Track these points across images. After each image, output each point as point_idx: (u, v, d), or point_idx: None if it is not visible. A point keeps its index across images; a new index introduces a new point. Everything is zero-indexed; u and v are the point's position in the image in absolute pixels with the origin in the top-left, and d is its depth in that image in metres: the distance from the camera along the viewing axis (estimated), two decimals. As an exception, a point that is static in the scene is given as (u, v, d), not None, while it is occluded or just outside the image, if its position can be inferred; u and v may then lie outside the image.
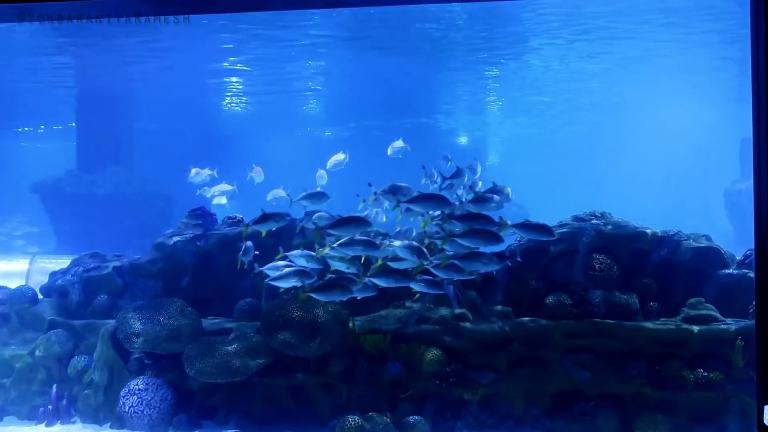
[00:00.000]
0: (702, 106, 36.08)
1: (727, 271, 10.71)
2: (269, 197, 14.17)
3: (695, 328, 10.00)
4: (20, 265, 18.42)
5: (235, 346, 10.36)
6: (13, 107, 33.00)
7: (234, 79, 27.31)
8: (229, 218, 12.43)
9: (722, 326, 10.00)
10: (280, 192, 14.22)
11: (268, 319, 10.47)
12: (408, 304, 10.73)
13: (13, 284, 12.86)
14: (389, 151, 13.38)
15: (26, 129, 41.62)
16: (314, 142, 44.07)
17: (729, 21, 19.55)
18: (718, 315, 10.15)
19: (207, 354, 10.30)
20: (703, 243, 10.93)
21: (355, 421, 9.75)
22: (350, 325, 10.44)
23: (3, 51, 21.80)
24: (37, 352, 11.11)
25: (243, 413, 10.35)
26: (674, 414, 9.76)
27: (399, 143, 13.55)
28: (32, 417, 10.86)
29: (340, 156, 13.57)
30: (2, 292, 12.49)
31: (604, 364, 10.12)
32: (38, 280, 13.11)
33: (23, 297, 12.09)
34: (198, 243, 11.80)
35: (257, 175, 14.21)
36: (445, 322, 10.39)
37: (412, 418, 9.93)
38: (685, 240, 10.95)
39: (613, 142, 49.84)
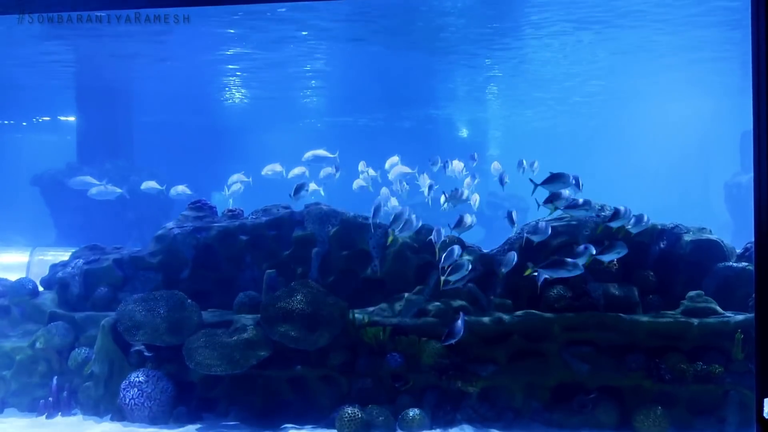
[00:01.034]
0: (702, 99, 36.07)
1: (726, 263, 10.73)
2: (265, 172, 14.84)
3: (695, 321, 10.01)
4: (20, 257, 18.39)
5: (235, 338, 10.37)
6: (13, 99, 32.99)
7: (234, 68, 27.23)
8: (230, 211, 12.44)
9: (722, 319, 10.02)
10: (277, 167, 15.03)
11: (268, 311, 10.47)
12: (407, 296, 10.73)
13: (13, 277, 12.87)
14: (390, 176, 13.64)
15: (27, 122, 41.62)
16: (315, 133, 44.05)
17: (730, 12, 19.50)
18: (717, 308, 10.16)
19: (207, 346, 10.31)
20: (703, 236, 10.94)
21: (354, 413, 9.78)
22: (350, 317, 10.44)
23: (2, 43, 21.76)
24: (37, 344, 11.13)
25: (243, 405, 10.37)
26: (674, 407, 9.78)
27: (396, 161, 13.97)
28: (33, 409, 10.89)
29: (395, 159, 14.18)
30: (3, 285, 12.50)
31: (603, 357, 10.14)
32: (39, 273, 13.11)
33: (24, 289, 12.10)
34: (198, 235, 11.80)
35: (272, 171, 14.64)
36: (444, 314, 10.38)
37: (411, 411, 9.95)
38: (685, 233, 10.97)
39: (614, 135, 49.80)
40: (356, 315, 10.51)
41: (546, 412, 10.06)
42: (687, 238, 10.89)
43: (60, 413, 10.75)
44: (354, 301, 10.81)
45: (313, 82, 30.23)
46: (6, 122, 40.45)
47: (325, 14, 19.21)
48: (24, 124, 41.89)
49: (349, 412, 9.79)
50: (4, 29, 20.02)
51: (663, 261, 10.90)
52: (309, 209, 11.87)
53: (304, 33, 21.24)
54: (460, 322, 9.03)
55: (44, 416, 10.67)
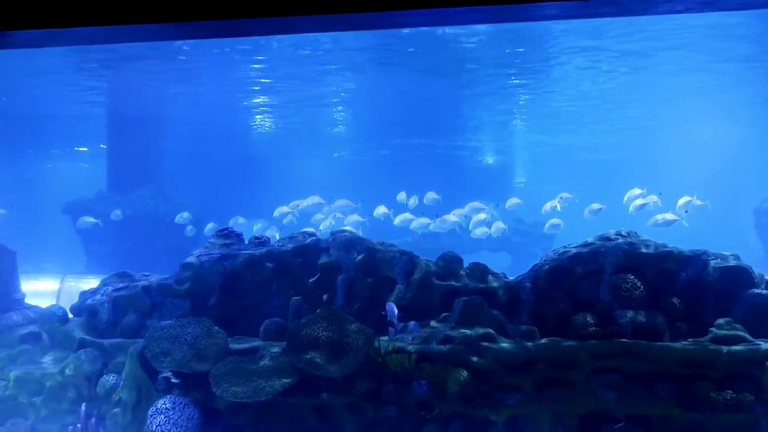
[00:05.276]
0: (731, 125, 35.80)
1: (756, 290, 10.58)
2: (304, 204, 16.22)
3: (724, 349, 9.87)
4: (51, 284, 18.70)
5: (261, 365, 10.41)
6: (45, 129, 33.62)
7: (262, 99, 27.60)
8: (256, 238, 12.56)
9: (751, 347, 9.87)
10: (317, 198, 16.49)
11: (294, 338, 10.51)
12: (433, 323, 10.72)
13: (44, 304, 13.10)
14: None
15: (58, 151, 42.34)
16: (341, 162, 44.32)
17: (760, 42, 19.48)
18: (747, 335, 10.02)
19: (233, 373, 10.35)
20: (732, 262, 10.81)
21: (380, 441, 9.74)
22: (375, 344, 10.44)
23: (35, 73, 22.24)
24: (67, 371, 11.26)
25: (269, 433, 10.38)
26: (703, 436, 9.63)
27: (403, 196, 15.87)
28: (62, 435, 10.99)
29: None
30: (33, 312, 12.71)
31: (631, 385, 10.02)
32: (69, 300, 13.31)
33: (54, 316, 12.29)
34: (225, 263, 11.90)
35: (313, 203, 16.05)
36: (470, 342, 10.35)
37: (437, 439, 9.89)
38: (713, 259, 10.85)
39: (643, 161, 49.46)
40: (382, 342, 10.51)
41: (573, 440, 9.95)
42: (714, 264, 10.77)
43: (88, 439, 10.83)
44: (379, 329, 10.81)
45: (340, 107, 30.47)
46: (39, 152, 41.14)
47: (351, 44, 19.46)
48: (54, 152, 42.61)
49: (375, 439, 9.76)
50: (35, 60, 20.48)
51: (690, 288, 10.79)
52: (334, 236, 11.95)
53: (332, 66, 21.53)
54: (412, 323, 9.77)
55: (73, 442, 10.76)
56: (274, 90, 25.89)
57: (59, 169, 46.42)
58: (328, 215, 19.02)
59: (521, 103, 29.27)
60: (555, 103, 28.77)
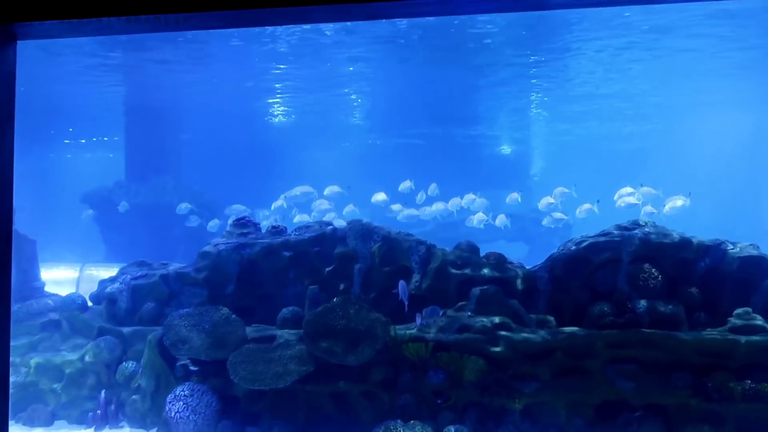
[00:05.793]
0: (755, 113, 35.42)
1: (775, 280, 10.50)
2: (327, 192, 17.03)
3: (742, 339, 9.82)
4: (71, 273, 18.88)
5: (278, 353, 10.47)
6: (64, 119, 33.85)
7: (279, 86, 27.59)
8: (273, 227, 12.61)
9: (770, 337, 9.81)
10: (307, 188, 17.25)
11: (311, 327, 10.56)
12: (450, 312, 10.73)
13: (63, 292, 13.25)
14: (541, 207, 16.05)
15: (77, 141, 42.61)
16: (357, 151, 44.29)
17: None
18: (766, 325, 9.95)
19: (251, 361, 10.42)
20: (751, 252, 10.73)
21: (396, 428, 9.78)
22: (392, 333, 10.48)
23: (52, 63, 22.37)
24: (86, 358, 11.39)
25: (286, 420, 10.45)
26: (721, 426, 9.59)
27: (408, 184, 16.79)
28: (82, 421, 11.13)
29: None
30: (53, 300, 12.86)
31: (648, 375, 9.99)
32: (88, 288, 13.45)
33: (73, 304, 12.43)
34: (242, 252, 11.97)
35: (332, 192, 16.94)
36: (486, 331, 10.36)
37: (453, 427, 9.92)
38: (732, 249, 10.77)
39: (662, 149, 49.08)
40: (398, 331, 10.54)
41: (590, 429, 9.94)
42: (734, 254, 10.70)
43: (108, 426, 10.96)
44: (396, 317, 10.84)
45: (355, 101, 30.48)
46: (57, 141, 41.45)
47: (368, 34, 19.41)
48: (72, 142, 42.90)
49: (392, 427, 9.80)
50: (53, 51, 20.60)
51: (709, 277, 10.73)
52: (351, 225, 11.98)
53: (347, 52, 21.49)
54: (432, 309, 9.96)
55: (93, 429, 10.89)
56: (290, 79, 25.90)
57: (77, 160, 46.75)
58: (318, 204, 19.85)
59: (539, 92, 29.10)
60: (574, 91, 28.56)
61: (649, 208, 15.64)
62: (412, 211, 21.56)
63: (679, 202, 15.09)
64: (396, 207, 21.66)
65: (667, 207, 15.22)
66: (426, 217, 22.18)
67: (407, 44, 20.48)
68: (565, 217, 20.12)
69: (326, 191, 20.07)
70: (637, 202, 16.45)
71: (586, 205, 19.20)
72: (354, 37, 19.69)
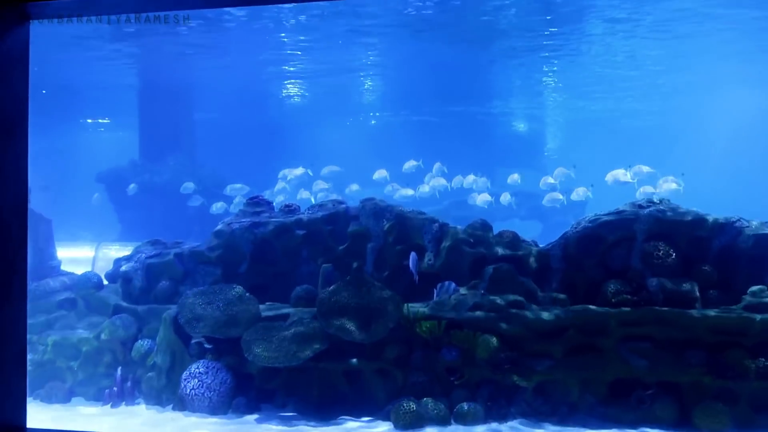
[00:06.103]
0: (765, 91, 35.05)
1: (791, 258, 10.42)
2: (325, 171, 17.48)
3: (757, 317, 9.77)
4: (86, 252, 19.00)
5: (292, 331, 10.52)
6: (79, 99, 33.93)
7: (292, 65, 27.52)
8: (286, 206, 12.63)
9: (785, 315, 9.75)
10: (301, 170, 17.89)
11: (324, 305, 10.60)
12: (463, 291, 10.73)
13: (79, 270, 13.35)
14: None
15: (92, 120, 42.76)
16: (369, 129, 44.17)
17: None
18: (781, 303, 9.90)
19: (265, 339, 10.48)
20: (766, 230, 10.64)
21: (409, 406, 9.83)
22: (405, 311, 10.49)
23: (66, 44, 22.40)
24: (102, 336, 11.49)
25: (300, 397, 10.52)
26: (735, 403, 9.56)
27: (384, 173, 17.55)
28: (98, 398, 11.24)
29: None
30: (69, 278, 12.97)
31: (662, 353, 9.96)
32: (103, 267, 13.55)
33: (89, 283, 12.54)
34: (256, 230, 12.00)
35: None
36: (499, 309, 10.36)
37: (466, 404, 9.96)
38: (747, 226, 10.69)
39: (678, 127, 48.60)
40: (411, 309, 10.56)
41: (602, 407, 9.94)
42: (749, 232, 10.61)
43: (124, 402, 11.07)
44: (409, 295, 10.86)
45: (368, 79, 30.36)
46: (73, 121, 41.58)
47: (379, 9, 19.30)
48: (89, 121, 43.05)
49: (405, 405, 9.85)
50: (67, 31, 20.61)
51: (724, 255, 10.66)
52: (364, 204, 11.98)
53: (359, 28, 21.38)
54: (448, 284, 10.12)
55: (109, 405, 11.00)
56: (304, 58, 25.83)
57: (92, 139, 46.89)
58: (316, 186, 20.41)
59: (555, 68, 28.85)
60: (591, 68, 28.29)
61: (649, 189, 15.56)
62: (408, 191, 21.77)
63: (673, 185, 14.96)
64: (389, 188, 21.95)
65: (661, 189, 15.16)
66: (425, 195, 22.43)
67: (421, 21, 20.34)
68: (560, 197, 20.36)
69: (324, 171, 20.32)
70: (631, 180, 16.39)
71: (581, 189, 19.32)
72: (367, 14, 19.57)
